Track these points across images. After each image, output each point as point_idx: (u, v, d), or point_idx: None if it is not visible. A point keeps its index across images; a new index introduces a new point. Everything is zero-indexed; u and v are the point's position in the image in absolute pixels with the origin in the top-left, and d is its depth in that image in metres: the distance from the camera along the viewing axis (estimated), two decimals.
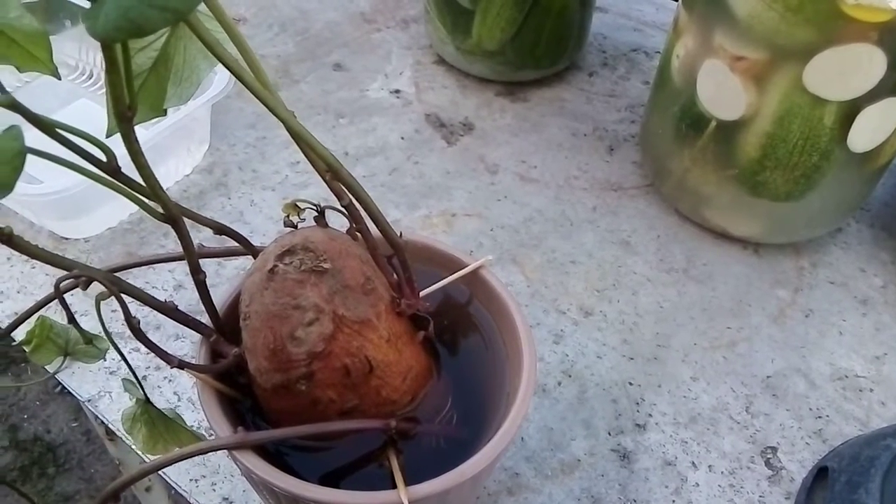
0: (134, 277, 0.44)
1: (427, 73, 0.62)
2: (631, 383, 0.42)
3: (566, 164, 0.55)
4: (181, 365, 0.25)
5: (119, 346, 0.42)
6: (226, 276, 0.45)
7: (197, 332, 0.27)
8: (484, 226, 0.50)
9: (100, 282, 0.23)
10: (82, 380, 0.40)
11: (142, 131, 0.45)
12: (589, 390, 0.41)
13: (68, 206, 0.44)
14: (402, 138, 0.56)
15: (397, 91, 0.60)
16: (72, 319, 0.26)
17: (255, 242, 0.29)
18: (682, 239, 0.50)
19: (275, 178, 0.51)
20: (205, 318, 0.28)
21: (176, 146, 0.48)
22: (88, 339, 0.30)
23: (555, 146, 0.56)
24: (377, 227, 0.27)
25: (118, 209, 0.47)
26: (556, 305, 0.45)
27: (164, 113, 0.27)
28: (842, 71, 0.39)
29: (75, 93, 0.55)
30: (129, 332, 0.25)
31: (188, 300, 0.43)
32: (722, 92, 0.43)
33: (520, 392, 0.27)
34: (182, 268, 0.42)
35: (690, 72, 0.44)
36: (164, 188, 0.50)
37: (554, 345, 0.43)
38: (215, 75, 0.48)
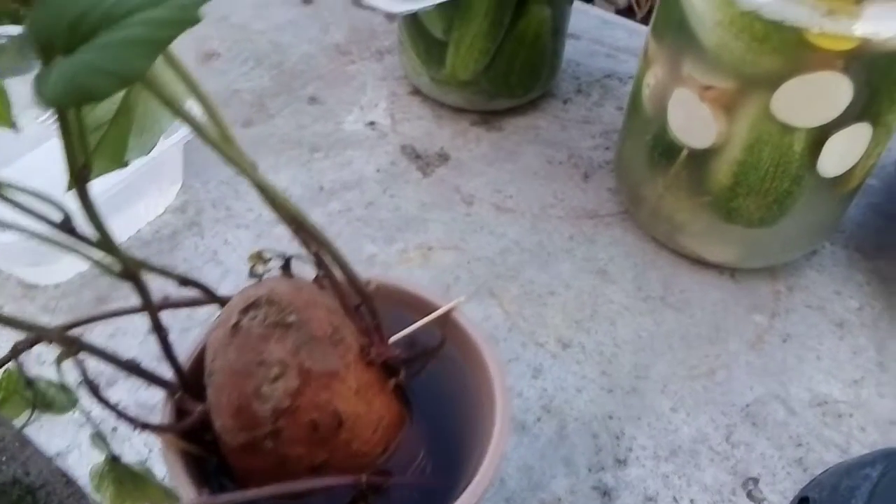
0: (104, 323, 0.43)
1: (402, 104, 0.62)
2: (611, 417, 0.41)
3: (542, 192, 0.55)
4: (144, 426, 0.25)
5: (85, 397, 0.41)
6: (199, 320, 0.44)
7: (161, 388, 0.27)
8: (461, 258, 0.50)
9: (56, 343, 0.23)
10: (51, 433, 0.39)
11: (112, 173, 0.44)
12: (569, 425, 0.41)
13: (36, 252, 0.43)
14: (378, 171, 0.56)
15: (372, 123, 0.60)
16: (29, 383, 0.25)
17: (229, 281, 0.29)
18: (659, 266, 0.50)
19: (248, 215, 0.51)
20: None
21: (147, 187, 0.48)
22: (49, 400, 0.29)
23: (530, 174, 0.56)
24: (345, 276, 0.26)
25: None
26: (534, 338, 0.45)
27: (126, 164, 0.27)
28: (809, 99, 0.39)
29: (46, 134, 0.54)
30: (128, 371, 0.25)
31: None
32: (692, 120, 0.43)
33: (494, 437, 0.26)
34: None
35: (661, 100, 0.44)
36: (136, 229, 0.50)
37: (533, 379, 0.43)
38: None
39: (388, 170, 0.56)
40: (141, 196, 0.48)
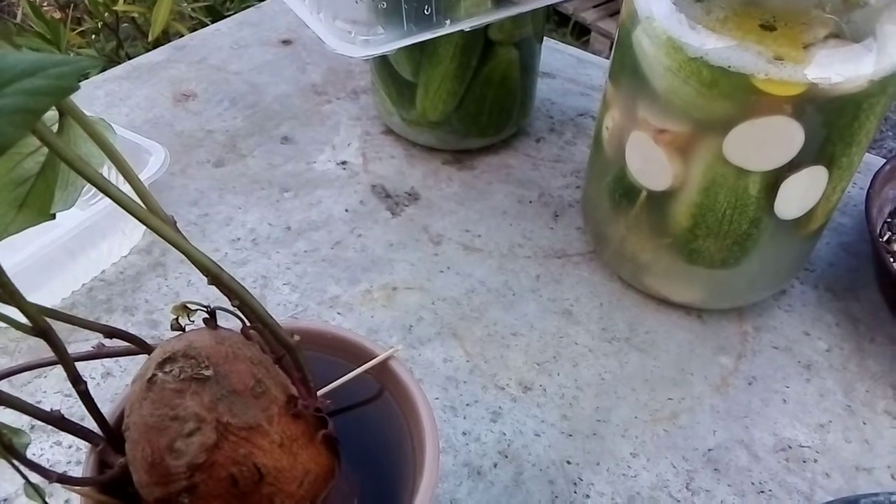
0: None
1: (375, 144, 0.62)
2: (569, 462, 0.41)
3: (510, 231, 0.55)
4: (60, 479, 0.24)
5: (42, 438, 0.41)
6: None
7: (85, 440, 0.26)
8: (425, 299, 0.49)
9: None
10: (0, 477, 0.38)
11: (77, 212, 0.45)
12: (525, 471, 0.40)
13: None
14: (347, 210, 0.56)
15: (344, 162, 0.60)
16: None
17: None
18: (626, 306, 0.50)
19: (214, 255, 0.51)
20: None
21: (111, 228, 0.48)
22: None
23: (499, 214, 0.56)
24: (267, 329, 0.26)
25: (53, 293, 0.47)
26: (494, 381, 0.45)
27: (53, 216, 0.27)
28: (760, 143, 0.39)
29: None
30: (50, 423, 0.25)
31: (116, 387, 0.42)
32: (649, 163, 0.43)
33: (419, 494, 0.26)
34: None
35: (619, 143, 0.45)
36: (101, 270, 0.50)
37: (491, 423, 0.42)
38: (150, 156, 0.48)
39: (357, 209, 0.56)
40: (105, 237, 0.48)
